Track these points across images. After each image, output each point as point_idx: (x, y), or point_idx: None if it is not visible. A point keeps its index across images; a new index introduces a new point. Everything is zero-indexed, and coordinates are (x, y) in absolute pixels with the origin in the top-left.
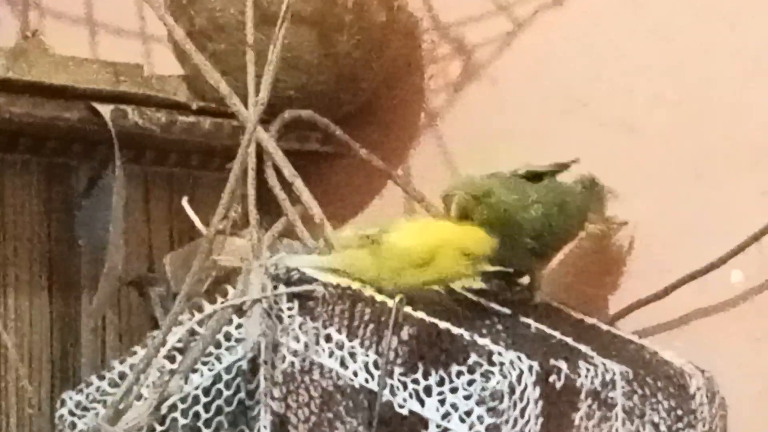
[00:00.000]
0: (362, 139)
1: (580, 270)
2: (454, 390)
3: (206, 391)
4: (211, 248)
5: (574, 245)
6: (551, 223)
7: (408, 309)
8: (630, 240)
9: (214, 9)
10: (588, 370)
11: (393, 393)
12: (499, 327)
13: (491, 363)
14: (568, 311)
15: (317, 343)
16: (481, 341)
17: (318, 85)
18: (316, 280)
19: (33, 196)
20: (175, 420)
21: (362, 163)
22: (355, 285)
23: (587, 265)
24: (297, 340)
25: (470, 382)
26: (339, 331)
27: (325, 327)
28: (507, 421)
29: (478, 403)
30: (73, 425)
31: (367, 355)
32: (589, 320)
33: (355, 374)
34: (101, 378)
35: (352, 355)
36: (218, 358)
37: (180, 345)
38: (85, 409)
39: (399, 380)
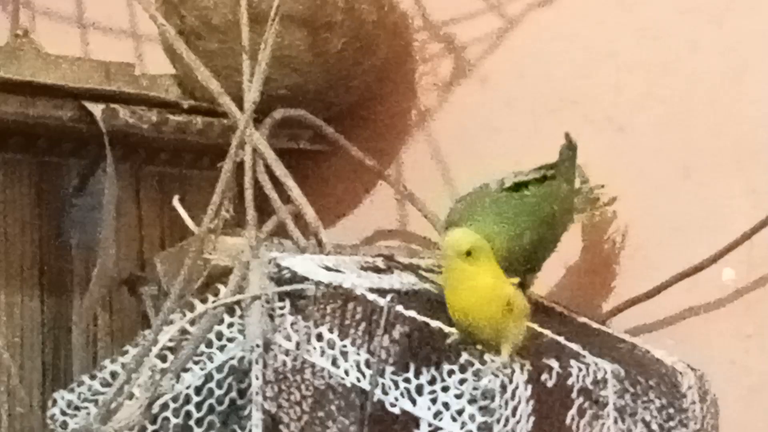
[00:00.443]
0: (353, 137)
1: (571, 269)
2: (445, 389)
3: (198, 390)
4: (203, 247)
5: (565, 245)
6: (542, 240)
7: (399, 308)
8: (621, 238)
9: (205, 8)
10: (579, 368)
11: (385, 392)
12: None
13: (483, 362)
14: (560, 310)
15: (309, 342)
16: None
17: (309, 83)
18: (307, 279)
19: (24, 195)
20: (166, 419)
21: (353, 162)
22: None
23: (578, 263)
24: (289, 339)
25: (462, 381)
26: (331, 330)
27: (316, 326)
28: (498, 420)
29: (469, 402)
30: (65, 425)
31: (359, 354)
32: (581, 319)
33: (347, 373)
34: (93, 377)
35: (344, 354)
36: (210, 357)
37: (172, 344)
38: (77, 408)
39: (391, 379)
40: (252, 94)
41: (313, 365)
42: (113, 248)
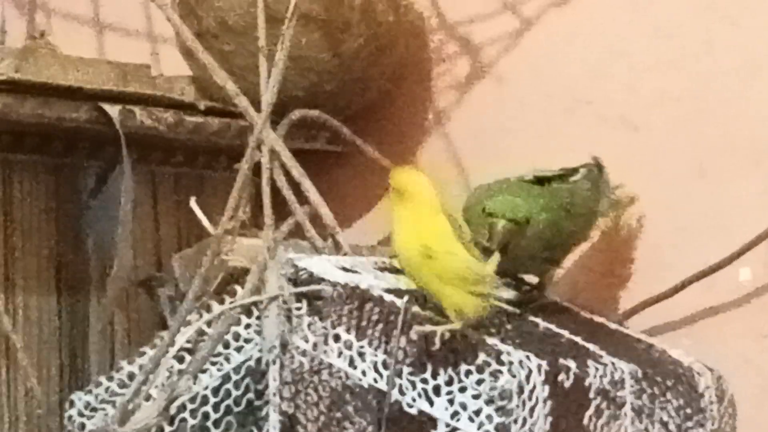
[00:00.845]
0: (370, 138)
1: (588, 269)
2: (463, 389)
3: (215, 392)
4: (220, 248)
5: (581, 245)
6: (560, 228)
7: (416, 308)
8: (637, 239)
9: (221, 9)
10: (597, 369)
11: (402, 392)
12: (508, 326)
13: (500, 362)
14: (577, 310)
15: (326, 343)
16: (489, 340)
17: (325, 84)
18: (324, 279)
19: (41, 197)
20: (184, 420)
21: (370, 162)
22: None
23: (595, 264)
24: (306, 340)
25: (479, 382)
26: (348, 331)
27: (333, 327)
28: (516, 421)
29: (487, 403)
30: (82, 426)
31: (376, 355)
32: (598, 319)
33: (364, 374)
34: (110, 378)
35: (361, 354)
36: (227, 359)
37: (189, 345)
38: (94, 409)
39: (408, 380)
40: (269, 95)
41: (330, 366)
42: (130, 249)
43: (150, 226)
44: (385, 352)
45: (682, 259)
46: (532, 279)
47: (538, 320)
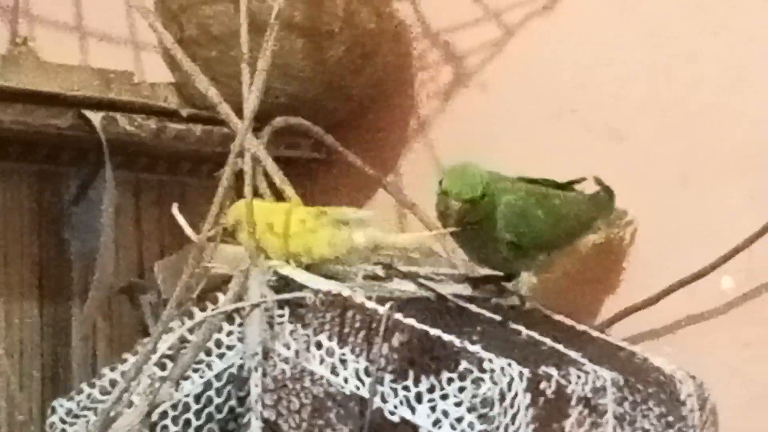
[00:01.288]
0: (353, 145)
1: (570, 277)
2: (444, 397)
3: (197, 399)
4: (202, 255)
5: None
6: (528, 215)
7: (399, 316)
8: (622, 245)
9: (204, 17)
10: (579, 376)
11: (384, 400)
12: (490, 334)
13: (482, 370)
14: (559, 318)
15: (308, 350)
16: (471, 348)
17: (308, 92)
18: (306, 287)
19: (23, 203)
20: (165, 427)
21: (353, 170)
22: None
23: (578, 272)
24: (288, 347)
25: (461, 389)
26: (330, 338)
27: (315, 334)
28: (498, 428)
29: (468, 410)
30: None
31: (358, 362)
32: (580, 327)
33: (346, 381)
34: (92, 385)
35: (343, 362)
36: (209, 366)
37: (171, 352)
38: (76, 416)
39: (390, 387)
40: (251, 102)
41: (312, 373)
42: (112, 256)
43: (132, 232)
44: (367, 359)
45: (665, 267)
46: (513, 285)
47: (520, 328)
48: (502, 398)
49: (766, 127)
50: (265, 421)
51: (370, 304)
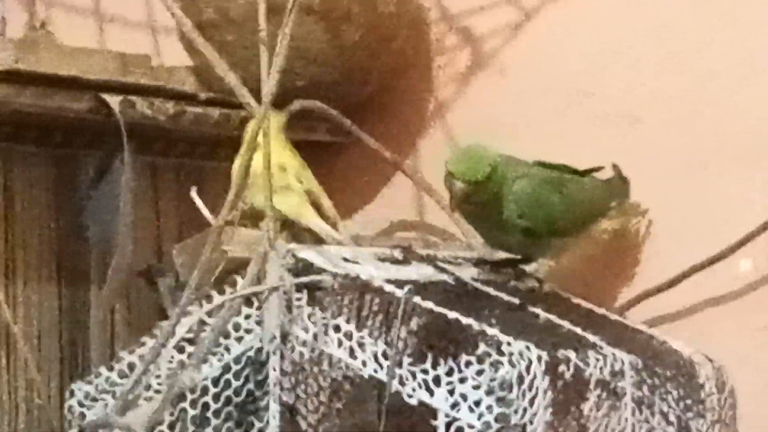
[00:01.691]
0: (370, 129)
1: (588, 260)
2: (463, 380)
3: (215, 382)
4: (220, 238)
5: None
6: (541, 200)
7: (417, 299)
8: (639, 230)
9: (222, 0)
10: (597, 359)
11: (402, 383)
12: (508, 317)
13: (500, 353)
14: (577, 301)
15: (326, 333)
16: (490, 331)
17: (326, 75)
18: (324, 270)
19: (41, 188)
20: (184, 410)
21: (370, 154)
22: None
23: (596, 255)
24: (306, 330)
25: (479, 372)
26: (348, 321)
27: (334, 317)
28: (516, 411)
29: (487, 393)
30: (83, 416)
31: (376, 345)
32: (599, 310)
33: (364, 364)
34: (110, 369)
35: (361, 345)
36: (227, 349)
37: (189, 336)
38: (94, 399)
39: (408, 370)
40: (269, 85)
41: (330, 356)
42: (131, 240)
43: (150, 216)
44: (386, 342)
45: (683, 250)
46: (531, 269)
47: (538, 311)
48: (521, 381)
49: None
50: (284, 404)
51: (389, 288)
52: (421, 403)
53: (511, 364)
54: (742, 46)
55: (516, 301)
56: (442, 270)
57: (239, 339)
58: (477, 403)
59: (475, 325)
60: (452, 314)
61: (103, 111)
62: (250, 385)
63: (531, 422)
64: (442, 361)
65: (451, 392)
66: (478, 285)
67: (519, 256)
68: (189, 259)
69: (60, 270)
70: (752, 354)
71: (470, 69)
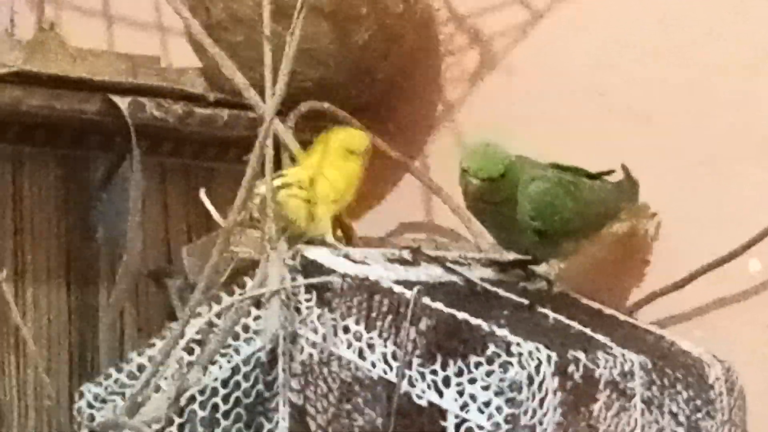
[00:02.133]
0: (379, 130)
1: (598, 261)
2: (472, 381)
3: (225, 383)
4: (229, 240)
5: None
6: (555, 203)
7: (426, 300)
8: (649, 230)
9: (230, 1)
10: (607, 360)
11: (411, 384)
12: (518, 318)
13: (510, 354)
14: (587, 302)
15: (335, 334)
16: (499, 332)
17: (335, 76)
18: (333, 271)
19: (50, 189)
20: (193, 412)
21: (379, 154)
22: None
23: (605, 256)
24: (315, 331)
25: (489, 373)
26: (357, 322)
27: (343, 318)
28: (525, 412)
29: (496, 394)
30: (92, 417)
31: (386, 347)
32: (608, 311)
33: (374, 365)
34: (120, 370)
35: (371, 346)
36: (236, 350)
37: (198, 337)
38: (104, 401)
39: (417, 371)
40: (277, 87)
41: (339, 357)
42: (140, 241)
43: (159, 217)
44: (395, 343)
45: (692, 250)
46: (541, 269)
47: (547, 312)
48: (530, 382)
49: None
50: (293, 405)
51: (398, 288)
52: (431, 404)
53: (521, 365)
54: (754, 43)
55: (525, 301)
56: (452, 271)
57: (248, 340)
58: (486, 404)
59: (485, 326)
60: (462, 315)
61: (113, 112)
62: (260, 387)
63: (540, 423)
64: (451, 362)
65: (461, 393)
66: (487, 286)
67: (529, 257)
68: (198, 260)
69: (69, 271)
70: (762, 354)
71: (479, 69)
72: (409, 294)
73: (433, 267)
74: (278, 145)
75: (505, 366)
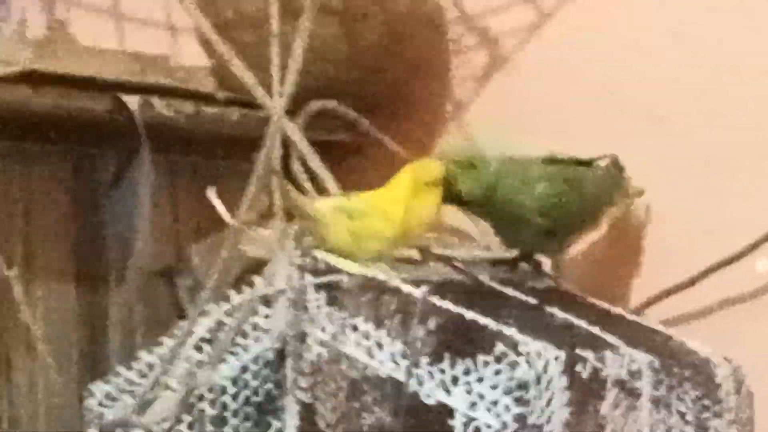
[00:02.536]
0: (388, 129)
1: (606, 260)
2: (480, 380)
3: (233, 382)
4: (238, 239)
5: (599, 235)
6: (562, 200)
7: (434, 299)
8: (655, 229)
9: (240, 0)
10: (614, 359)
11: (420, 383)
12: (526, 317)
13: (518, 353)
14: (594, 301)
15: (344, 333)
16: (507, 331)
17: (343, 75)
18: (341, 270)
19: (60, 188)
20: (202, 410)
21: (388, 154)
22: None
23: (613, 254)
24: (324, 330)
25: (497, 372)
26: (366, 321)
27: (351, 317)
28: (533, 411)
29: (504, 393)
30: (101, 415)
31: (394, 346)
32: (616, 310)
33: (382, 364)
34: (129, 368)
35: (379, 345)
36: (245, 349)
37: (207, 335)
38: (113, 399)
39: (426, 370)
40: (286, 86)
41: (348, 356)
42: (149, 240)
43: (169, 216)
44: (403, 342)
45: (701, 249)
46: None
47: (555, 311)
48: (538, 381)
49: None
50: (302, 404)
51: (406, 287)
52: (439, 403)
53: (529, 363)
54: (761, 45)
55: (533, 300)
56: (460, 270)
57: (257, 339)
58: (494, 403)
59: (493, 325)
60: (470, 314)
61: (122, 111)
62: (269, 385)
63: (548, 422)
64: (459, 361)
65: (469, 392)
66: (495, 285)
67: (534, 252)
68: (207, 258)
69: (79, 269)
70: None
71: (488, 68)
72: (417, 293)
73: (442, 266)
74: (287, 145)
75: (513, 365)
